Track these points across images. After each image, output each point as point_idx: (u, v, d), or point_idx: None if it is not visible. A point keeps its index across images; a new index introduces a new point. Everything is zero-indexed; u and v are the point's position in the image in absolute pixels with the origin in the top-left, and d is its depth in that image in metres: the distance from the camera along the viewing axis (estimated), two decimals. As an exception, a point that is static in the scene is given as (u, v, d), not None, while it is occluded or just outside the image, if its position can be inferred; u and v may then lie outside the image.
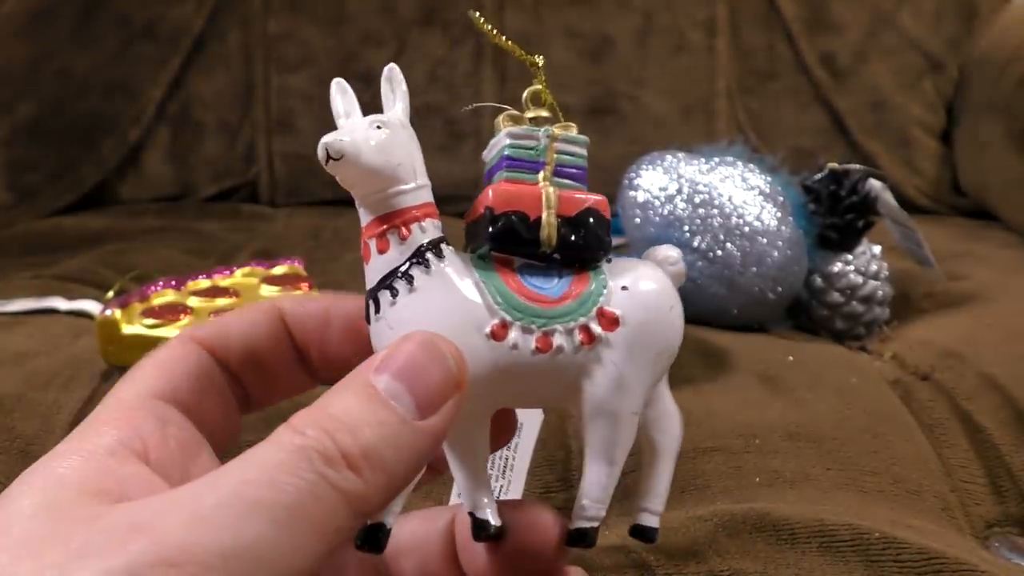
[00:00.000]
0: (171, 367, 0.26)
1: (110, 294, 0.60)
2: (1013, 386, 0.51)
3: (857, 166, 0.68)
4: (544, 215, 0.25)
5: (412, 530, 0.29)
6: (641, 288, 0.26)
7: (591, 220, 0.26)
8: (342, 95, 0.26)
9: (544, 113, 0.27)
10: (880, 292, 0.65)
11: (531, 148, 0.26)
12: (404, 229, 0.24)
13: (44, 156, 1.03)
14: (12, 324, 0.61)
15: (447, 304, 0.24)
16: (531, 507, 0.26)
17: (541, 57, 0.27)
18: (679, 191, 0.65)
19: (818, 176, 0.68)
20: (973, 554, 0.38)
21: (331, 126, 0.25)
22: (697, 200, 0.65)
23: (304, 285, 0.60)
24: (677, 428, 0.28)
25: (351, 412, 0.21)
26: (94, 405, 0.25)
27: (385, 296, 0.24)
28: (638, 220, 0.66)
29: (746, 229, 0.64)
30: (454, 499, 0.40)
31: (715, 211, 0.64)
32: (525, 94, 0.27)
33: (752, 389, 0.53)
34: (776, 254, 0.64)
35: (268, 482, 0.19)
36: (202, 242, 0.89)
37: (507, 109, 0.26)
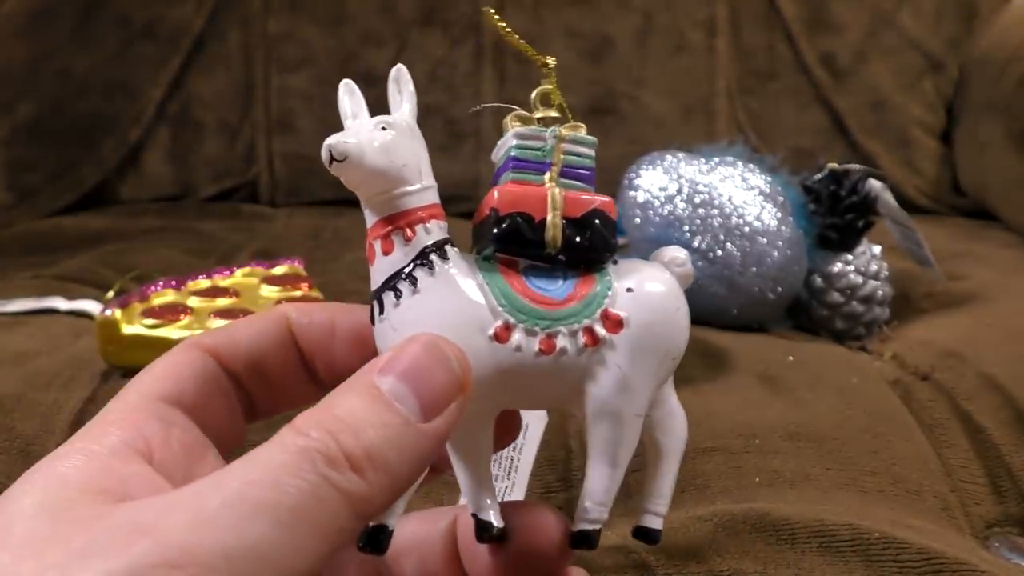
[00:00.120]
0: (177, 371, 0.26)
1: (110, 294, 0.60)
2: (1013, 386, 0.51)
3: (857, 166, 0.68)
4: (549, 216, 0.25)
5: (413, 531, 0.29)
6: (646, 290, 0.26)
7: (597, 222, 0.25)
8: (350, 96, 0.26)
9: (553, 113, 0.27)
10: (880, 292, 0.65)
11: (537, 149, 0.26)
12: (408, 230, 0.24)
13: (44, 156, 1.03)
14: (12, 324, 0.61)
15: (451, 306, 0.24)
16: (534, 509, 0.26)
17: (553, 58, 0.27)
18: (679, 191, 0.65)
19: (818, 176, 0.68)
20: (973, 554, 0.38)
21: (332, 126, 0.25)
22: (697, 200, 0.65)
23: (304, 285, 0.60)
24: (682, 430, 0.27)
25: (355, 413, 0.21)
26: (94, 405, 0.25)
27: (389, 298, 0.24)
28: (638, 220, 0.66)
29: (746, 229, 0.64)
30: (463, 501, 0.40)
31: (715, 211, 0.64)
32: (534, 94, 0.27)
33: (752, 389, 0.53)
34: (776, 254, 0.64)
35: (271, 483, 0.19)
36: (202, 242, 0.89)
37: (515, 109, 0.26)
